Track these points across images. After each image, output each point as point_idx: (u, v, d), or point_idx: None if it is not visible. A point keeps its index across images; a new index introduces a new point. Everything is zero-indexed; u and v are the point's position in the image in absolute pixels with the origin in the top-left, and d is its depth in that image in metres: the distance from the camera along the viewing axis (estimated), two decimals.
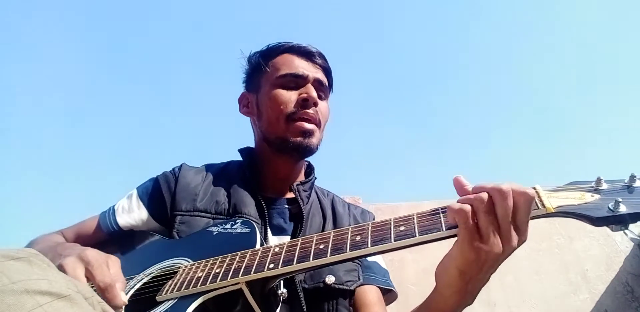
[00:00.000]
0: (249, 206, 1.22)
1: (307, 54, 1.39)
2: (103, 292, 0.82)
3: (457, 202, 0.76)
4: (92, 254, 0.89)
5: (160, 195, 1.27)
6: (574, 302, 2.31)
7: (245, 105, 1.44)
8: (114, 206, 1.31)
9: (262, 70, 1.39)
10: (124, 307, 0.88)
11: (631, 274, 2.41)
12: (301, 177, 1.40)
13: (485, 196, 0.72)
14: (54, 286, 0.57)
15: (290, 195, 1.31)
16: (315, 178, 1.42)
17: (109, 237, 1.27)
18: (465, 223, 0.72)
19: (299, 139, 1.26)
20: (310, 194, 1.35)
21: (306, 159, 1.43)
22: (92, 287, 0.84)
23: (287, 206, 1.28)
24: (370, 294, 1.21)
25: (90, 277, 0.84)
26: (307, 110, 1.28)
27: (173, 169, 1.37)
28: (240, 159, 1.41)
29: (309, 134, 1.27)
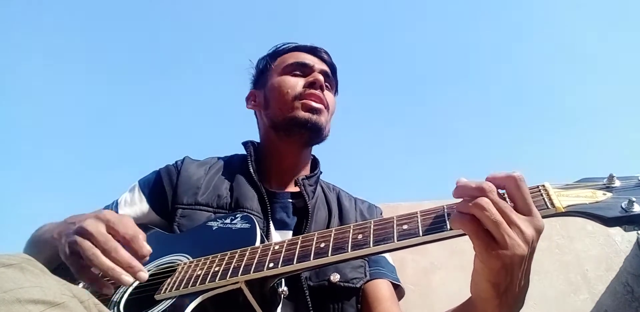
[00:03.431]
0: (251, 200, 1.21)
1: (313, 50, 1.44)
2: (129, 242, 0.84)
3: (457, 211, 0.71)
4: (110, 212, 0.90)
5: (161, 188, 1.27)
6: (574, 302, 2.30)
7: (252, 100, 1.48)
8: (117, 200, 1.30)
9: (269, 67, 1.43)
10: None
11: (631, 274, 2.40)
12: (306, 171, 1.40)
13: (482, 201, 0.67)
14: (47, 294, 0.56)
15: (294, 189, 1.30)
16: (321, 172, 1.42)
17: None
18: (476, 233, 0.67)
19: (307, 114, 1.28)
20: (315, 189, 1.33)
21: (312, 154, 1.44)
22: (97, 276, 0.85)
23: (290, 200, 1.27)
24: (382, 288, 1.18)
25: (113, 232, 0.84)
26: (315, 91, 1.31)
27: (176, 162, 1.37)
28: (244, 152, 1.40)
29: (317, 111, 1.29)
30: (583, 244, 2.51)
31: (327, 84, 1.39)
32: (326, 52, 1.46)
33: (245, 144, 1.41)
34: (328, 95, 1.37)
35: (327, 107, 1.34)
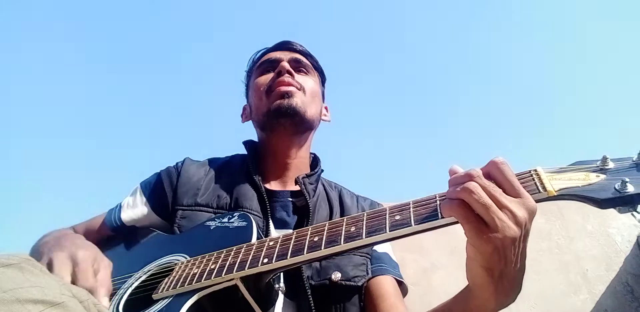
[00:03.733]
0: (251, 199, 1.20)
1: (281, 45, 1.47)
2: None
3: (446, 198, 0.71)
4: (85, 255, 0.88)
5: (162, 189, 1.28)
6: (574, 302, 2.29)
7: (243, 114, 1.51)
8: (121, 203, 1.32)
9: (250, 79, 1.48)
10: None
11: (631, 274, 2.40)
12: (307, 169, 1.39)
13: (469, 185, 0.67)
14: (46, 294, 0.56)
15: (295, 188, 1.29)
16: (322, 170, 1.41)
17: (113, 233, 1.28)
18: (466, 218, 0.67)
19: (278, 101, 1.29)
20: (316, 187, 1.33)
21: (313, 151, 1.45)
22: None
23: (290, 199, 1.27)
24: (385, 284, 1.17)
25: (74, 279, 0.83)
26: (282, 79, 1.32)
27: (176, 163, 1.38)
28: (245, 152, 1.41)
29: (287, 94, 1.29)
30: (583, 244, 2.50)
31: (301, 68, 1.41)
32: (295, 43, 1.47)
33: (245, 143, 1.42)
34: (301, 78, 1.38)
35: (300, 89, 1.34)
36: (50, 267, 0.82)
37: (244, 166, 1.33)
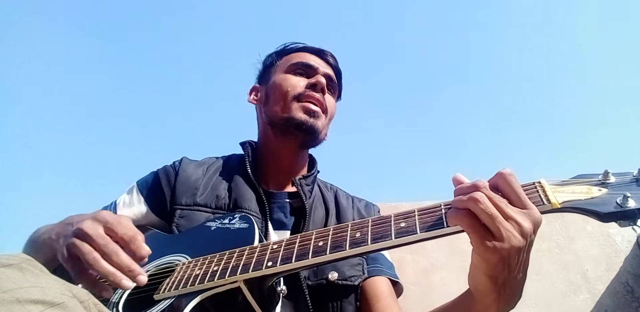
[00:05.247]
0: (250, 200, 1.21)
1: (319, 52, 1.45)
2: (128, 244, 0.81)
3: (453, 207, 0.72)
4: (107, 213, 0.86)
5: (159, 189, 1.27)
6: (574, 302, 2.30)
7: (254, 94, 1.49)
8: (115, 201, 1.31)
9: (274, 64, 1.45)
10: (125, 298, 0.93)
11: (631, 274, 2.40)
12: (304, 171, 1.40)
13: (476, 195, 0.68)
14: (46, 294, 0.56)
15: (292, 189, 1.30)
16: (318, 171, 1.42)
17: None
18: (473, 227, 0.68)
19: (304, 116, 1.28)
20: (312, 188, 1.34)
21: (310, 152, 1.45)
22: (97, 279, 0.84)
23: (288, 200, 1.28)
24: (380, 285, 1.19)
25: (111, 234, 0.81)
26: (315, 94, 1.31)
27: (174, 162, 1.37)
28: (242, 152, 1.40)
29: (314, 114, 1.29)
30: (583, 244, 2.50)
31: (329, 87, 1.40)
32: (333, 56, 1.47)
33: (243, 144, 1.41)
34: (328, 99, 1.38)
35: (325, 111, 1.34)
36: (81, 236, 0.79)
37: (242, 166, 1.33)
